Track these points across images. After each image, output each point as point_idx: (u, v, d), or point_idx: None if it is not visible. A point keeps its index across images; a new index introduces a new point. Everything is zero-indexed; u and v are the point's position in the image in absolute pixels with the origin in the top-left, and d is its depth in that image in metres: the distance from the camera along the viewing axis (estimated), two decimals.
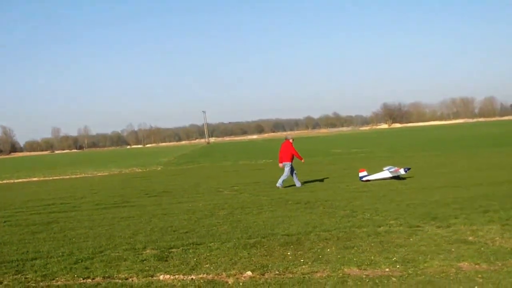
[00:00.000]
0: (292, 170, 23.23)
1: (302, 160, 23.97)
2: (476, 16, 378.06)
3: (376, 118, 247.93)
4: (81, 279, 9.36)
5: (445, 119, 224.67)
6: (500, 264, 8.93)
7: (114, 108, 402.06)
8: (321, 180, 24.98)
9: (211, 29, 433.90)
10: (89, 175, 44.18)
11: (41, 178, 44.68)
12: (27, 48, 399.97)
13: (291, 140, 23.67)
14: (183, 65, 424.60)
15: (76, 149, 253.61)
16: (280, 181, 22.98)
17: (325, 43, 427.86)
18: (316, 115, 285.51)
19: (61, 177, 44.83)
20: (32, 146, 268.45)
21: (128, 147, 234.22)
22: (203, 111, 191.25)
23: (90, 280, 9.28)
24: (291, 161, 23.25)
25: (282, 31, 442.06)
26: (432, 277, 8.42)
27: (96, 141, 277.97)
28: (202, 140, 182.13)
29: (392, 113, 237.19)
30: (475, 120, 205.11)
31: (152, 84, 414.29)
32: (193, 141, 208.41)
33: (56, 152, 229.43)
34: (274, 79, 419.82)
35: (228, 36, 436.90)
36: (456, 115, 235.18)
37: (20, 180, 44.51)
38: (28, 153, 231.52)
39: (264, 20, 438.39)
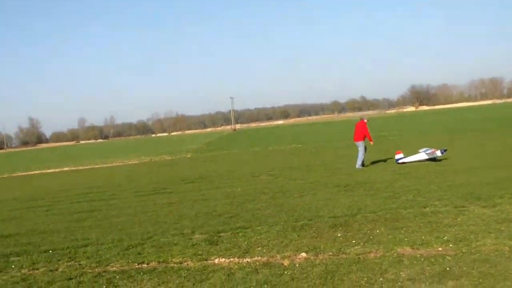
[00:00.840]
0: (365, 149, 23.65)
1: (371, 142, 24.12)
2: None
3: (403, 101, 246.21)
4: (136, 264, 9.49)
5: (473, 100, 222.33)
6: None
7: (139, 97, 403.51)
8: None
9: (232, 13, 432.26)
10: (120, 164, 44.60)
11: (72, 168, 45.17)
12: (52, 39, 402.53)
13: (365, 121, 24.14)
14: (207, 51, 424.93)
15: (102, 139, 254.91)
16: (358, 162, 23.33)
17: (350, 26, 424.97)
18: (342, 100, 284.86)
19: (91, 166, 45.33)
20: (58, 137, 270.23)
21: (153, 135, 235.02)
22: (230, 97, 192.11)
23: (145, 265, 9.41)
24: (363, 140, 23.63)
25: (307, 14, 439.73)
26: (487, 255, 8.40)
27: (121, 131, 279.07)
28: (228, 127, 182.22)
29: (419, 96, 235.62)
30: (503, 100, 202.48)
31: (177, 72, 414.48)
32: (218, 128, 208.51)
33: (82, 142, 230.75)
34: (300, 64, 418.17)
35: (250, 21, 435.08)
36: (484, 96, 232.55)
37: (51, 171, 45.07)
38: (53, 144, 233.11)
39: (284, 3, 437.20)
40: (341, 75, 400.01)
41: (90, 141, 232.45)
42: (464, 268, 7.84)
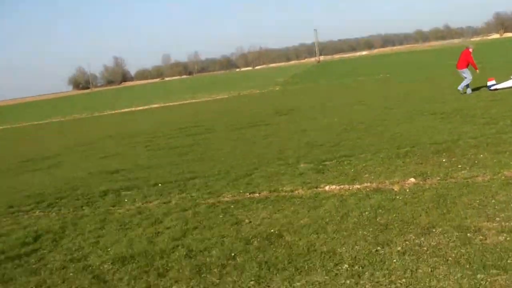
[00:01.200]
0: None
1: (477, 70, 23.78)
2: None
3: (488, 29, 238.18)
4: (247, 194, 9.82)
5: None
6: None
7: (223, 34, 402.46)
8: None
9: None
10: (209, 99, 45.09)
11: (161, 105, 45.91)
12: None
13: (470, 50, 23.88)
14: None
15: (186, 75, 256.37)
16: (462, 85, 23.21)
17: None
18: (426, 28, 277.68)
19: (180, 102, 45.93)
20: (143, 74, 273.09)
21: (238, 70, 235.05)
22: (314, 29, 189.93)
23: (257, 194, 9.72)
24: (466, 68, 23.41)
25: None
26: None
27: (206, 66, 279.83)
28: (312, 59, 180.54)
29: (504, 22, 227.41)
30: None
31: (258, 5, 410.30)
32: (302, 61, 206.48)
33: (166, 79, 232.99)
34: None
35: None
36: None
37: (140, 108, 45.96)
38: (139, 82, 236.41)
39: None
40: (423, 5, 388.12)
41: (174, 78, 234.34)
42: None
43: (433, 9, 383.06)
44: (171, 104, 45.60)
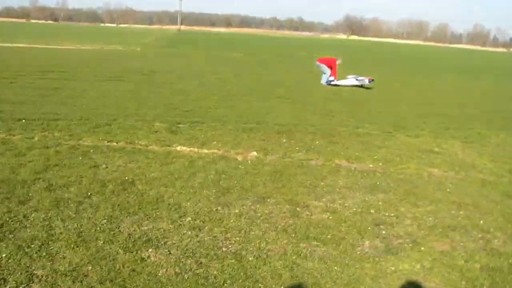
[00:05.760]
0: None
1: (335, 78, 24.39)
2: None
3: (337, 28, 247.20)
4: (106, 141, 9.80)
5: (399, 38, 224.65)
6: (464, 174, 9.65)
7: None
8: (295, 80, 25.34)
9: None
10: (73, 48, 43.32)
11: (26, 45, 43.55)
12: None
13: (338, 62, 24.46)
14: None
15: (52, 21, 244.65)
16: (324, 79, 24.20)
17: None
18: (281, 18, 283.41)
19: (45, 46, 43.71)
20: (9, 12, 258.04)
21: (102, 25, 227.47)
22: None
23: (114, 143, 9.73)
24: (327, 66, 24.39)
25: None
26: (410, 176, 9.15)
27: (72, 15, 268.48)
28: (173, 27, 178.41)
29: (352, 25, 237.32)
30: (426, 43, 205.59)
31: None
32: (164, 27, 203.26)
33: (32, 21, 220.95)
34: None
35: None
36: (410, 36, 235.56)
37: (5, 45, 43.26)
38: (3, 19, 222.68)
39: None
40: None
41: (40, 21, 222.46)
42: (391, 184, 8.53)
43: (290, 1, 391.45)
44: (36, 46, 43.26)
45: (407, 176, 9.18)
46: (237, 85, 20.77)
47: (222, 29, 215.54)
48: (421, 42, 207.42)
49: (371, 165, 9.66)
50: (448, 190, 8.56)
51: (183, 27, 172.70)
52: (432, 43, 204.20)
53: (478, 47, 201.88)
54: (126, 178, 7.68)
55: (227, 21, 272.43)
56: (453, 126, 14.97)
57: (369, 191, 8.11)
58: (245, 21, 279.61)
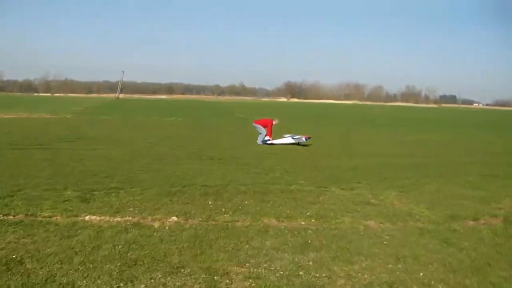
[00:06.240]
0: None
1: (270, 137, 23.93)
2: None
3: (278, 93, 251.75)
4: (1, 215, 8.70)
5: (338, 99, 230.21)
6: (401, 224, 9.23)
7: (31, 57, 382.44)
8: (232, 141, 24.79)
9: None
10: None
11: None
12: None
13: (274, 122, 24.48)
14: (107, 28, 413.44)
15: None
16: (260, 139, 23.85)
17: (235, 25, 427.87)
18: (223, 84, 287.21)
19: None
20: None
21: (36, 94, 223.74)
22: (122, 71, 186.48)
23: (11, 217, 8.65)
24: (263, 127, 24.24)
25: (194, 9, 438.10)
26: (344, 231, 8.57)
27: (5, 86, 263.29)
28: (112, 95, 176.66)
29: (292, 90, 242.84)
30: (363, 102, 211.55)
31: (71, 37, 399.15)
32: (102, 95, 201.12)
33: None
34: (191, 49, 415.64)
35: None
36: (348, 97, 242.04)
37: None
38: None
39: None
40: (223, 64, 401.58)
41: None
42: (324, 241, 7.89)
43: (231, 69, 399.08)
44: None
45: (341, 231, 8.57)
46: (168, 149, 19.84)
47: (164, 96, 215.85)
48: (358, 102, 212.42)
49: (302, 223, 9.01)
50: (385, 242, 8.05)
51: (122, 95, 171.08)
52: (369, 102, 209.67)
53: (412, 104, 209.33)
54: (14, 256, 6.63)
55: (169, 89, 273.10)
56: (389, 176, 14.67)
57: (300, 250, 7.41)
58: (187, 89, 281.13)
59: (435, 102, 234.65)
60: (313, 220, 9.14)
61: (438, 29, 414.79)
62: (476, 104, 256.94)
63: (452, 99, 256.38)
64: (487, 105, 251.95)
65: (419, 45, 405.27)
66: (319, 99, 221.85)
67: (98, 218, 8.67)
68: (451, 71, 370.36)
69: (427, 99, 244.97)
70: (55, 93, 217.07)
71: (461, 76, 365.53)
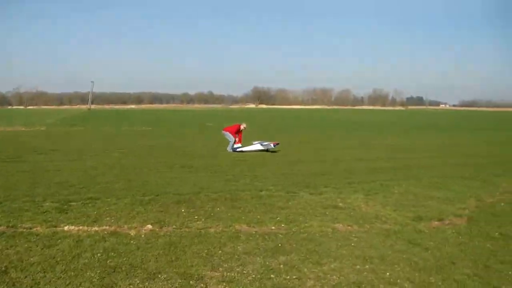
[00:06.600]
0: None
1: (239, 143, 24.27)
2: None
3: (246, 99, 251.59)
4: None
5: (305, 104, 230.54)
6: (368, 227, 9.48)
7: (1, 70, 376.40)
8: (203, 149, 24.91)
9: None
10: None
11: None
12: None
13: (242, 127, 24.63)
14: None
15: None
16: (230, 146, 23.98)
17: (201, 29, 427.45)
18: (192, 92, 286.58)
19: None
20: None
21: (10, 107, 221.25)
22: (91, 81, 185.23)
23: None
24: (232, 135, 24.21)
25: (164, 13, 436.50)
26: (313, 235, 8.80)
27: None
28: (83, 106, 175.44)
29: (260, 95, 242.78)
30: (331, 107, 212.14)
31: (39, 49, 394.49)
32: (74, 106, 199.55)
33: None
34: (157, 57, 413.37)
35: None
36: (315, 102, 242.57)
37: None
38: None
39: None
40: (192, 70, 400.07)
41: None
42: (294, 245, 8.12)
43: (200, 77, 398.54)
44: None
45: (310, 234, 8.81)
46: (140, 158, 19.95)
47: (133, 106, 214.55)
48: (326, 106, 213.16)
49: (273, 227, 9.23)
50: (352, 244, 8.28)
51: (93, 106, 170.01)
52: (336, 107, 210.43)
53: (379, 107, 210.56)
54: None
55: (139, 99, 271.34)
56: (356, 180, 14.95)
57: (270, 254, 7.63)
58: (156, 98, 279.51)
59: (402, 104, 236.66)
60: (283, 225, 9.36)
61: (406, 30, 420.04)
62: (443, 105, 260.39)
63: (419, 100, 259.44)
64: (453, 106, 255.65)
65: (386, 47, 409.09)
66: (287, 104, 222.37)
67: (76, 228, 8.84)
68: (417, 73, 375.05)
69: (394, 102, 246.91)
70: (28, 105, 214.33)
71: (428, 77, 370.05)
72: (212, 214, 10.12)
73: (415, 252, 7.94)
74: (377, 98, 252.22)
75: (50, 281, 6.29)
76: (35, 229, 8.76)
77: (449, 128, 51.83)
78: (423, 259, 7.60)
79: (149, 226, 9.01)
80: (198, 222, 9.40)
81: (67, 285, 6.18)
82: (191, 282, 6.40)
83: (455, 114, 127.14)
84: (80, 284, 6.20)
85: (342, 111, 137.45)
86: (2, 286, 6.10)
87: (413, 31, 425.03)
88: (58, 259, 7.13)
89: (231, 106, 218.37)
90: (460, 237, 8.95)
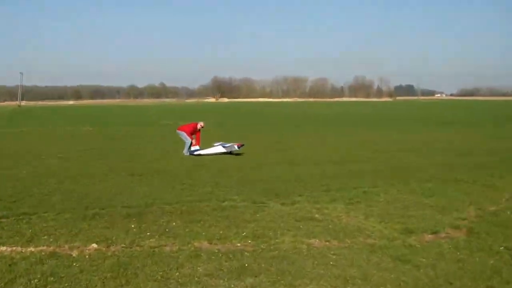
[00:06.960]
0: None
1: (197, 144, 24.35)
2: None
3: (205, 91, 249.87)
4: None
5: (275, 97, 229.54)
6: (349, 242, 9.51)
7: None
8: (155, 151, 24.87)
9: None
10: None
11: None
12: None
13: (199, 126, 24.85)
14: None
15: None
16: (186, 149, 24.08)
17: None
18: (140, 85, 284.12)
19: None
20: None
21: None
22: (20, 73, 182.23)
23: None
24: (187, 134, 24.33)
25: None
26: (285, 252, 8.84)
27: None
28: (13, 103, 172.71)
29: (221, 87, 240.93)
30: (304, 99, 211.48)
31: None
32: (1, 104, 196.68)
33: None
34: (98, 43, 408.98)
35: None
36: (286, 94, 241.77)
37: None
38: None
39: None
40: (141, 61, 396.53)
41: None
42: (263, 264, 8.15)
43: (149, 68, 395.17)
44: None
45: (281, 252, 8.86)
46: (82, 164, 19.91)
47: (71, 102, 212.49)
48: (299, 99, 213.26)
49: (238, 244, 9.29)
50: (331, 263, 8.33)
51: (24, 103, 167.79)
52: (312, 99, 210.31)
53: (362, 99, 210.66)
54: None
55: (77, 93, 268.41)
56: (334, 186, 15.04)
57: (236, 276, 7.67)
58: (98, 91, 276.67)
59: (390, 95, 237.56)
60: (249, 241, 9.40)
61: (395, 5, 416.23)
62: (439, 95, 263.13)
63: (410, 90, 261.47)
64: (451, 95, 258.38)
65: (368, 28, 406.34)
66: (253, 97, 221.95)
67: (9, 249, 8.81)
68: (408, 58, 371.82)
69: (380, 92, 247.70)
70: None
71: (420, 63, 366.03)
72: (167, 230, 10.13)
73: (405, 270, 7.95)
74: (360, 87, 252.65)
75: None
76: None
77: (442, 122, 52.25)
78: (415, 279, 7.62)
79: (94, 245, 9.01)
80: (151, 240, 9.42)
81: None
82: None
83: (452, 104, 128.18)
84: None
85: (318, 104, 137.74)
86: None
87: (402, 5, 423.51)
88: None
89: (186, 100, 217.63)
90: (458, 252, 8.93)
